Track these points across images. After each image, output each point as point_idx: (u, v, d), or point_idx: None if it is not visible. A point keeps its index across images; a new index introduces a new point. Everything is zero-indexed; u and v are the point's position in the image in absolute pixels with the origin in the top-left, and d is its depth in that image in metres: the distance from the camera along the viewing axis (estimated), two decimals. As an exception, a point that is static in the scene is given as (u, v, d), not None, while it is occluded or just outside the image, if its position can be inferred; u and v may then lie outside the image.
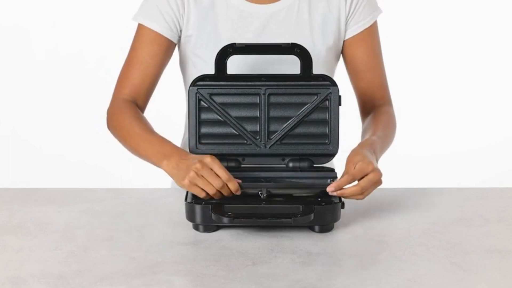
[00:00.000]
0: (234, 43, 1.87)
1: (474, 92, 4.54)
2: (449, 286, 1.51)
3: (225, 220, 1.69)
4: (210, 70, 1.93)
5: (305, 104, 1.86)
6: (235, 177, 1.76)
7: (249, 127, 1.87)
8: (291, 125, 1.86)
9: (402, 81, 4.37)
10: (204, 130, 1.87)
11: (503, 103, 4.55)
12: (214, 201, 1.74)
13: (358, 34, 2.05)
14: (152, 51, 2.01)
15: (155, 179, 3.36)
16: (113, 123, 1.99)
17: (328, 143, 1.86)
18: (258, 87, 1.86)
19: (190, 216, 1.75)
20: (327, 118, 1.86)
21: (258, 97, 1.86)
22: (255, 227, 1.75)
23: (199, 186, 1.74)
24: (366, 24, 2.04)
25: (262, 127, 1.87)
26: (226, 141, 1.87)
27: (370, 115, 2.04)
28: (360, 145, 1.83)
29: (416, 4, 4.52)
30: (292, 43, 1.87)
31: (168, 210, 1.87)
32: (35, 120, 4.44)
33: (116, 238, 1.73)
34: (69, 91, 4.43)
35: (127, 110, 1.98)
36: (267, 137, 1.87)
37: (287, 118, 1.87)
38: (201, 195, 1.75)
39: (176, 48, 2.08)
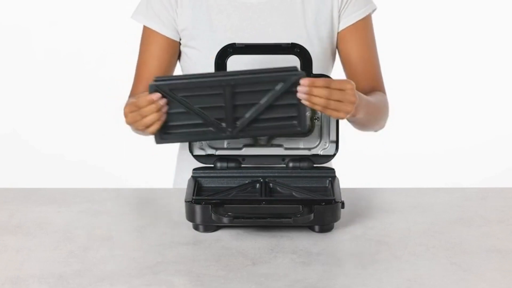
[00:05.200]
0: (234, 43, 1.87)
1: (474, 92, 4.54)
2: (449, 286, 1.51)
3: (225, 220, 1.69)
4: (205, 59, 1.92)
5: (271, 90, 1.75)
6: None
7: (214, 114, 1.77)
8: (258, 111, 1.76)
9: (402, 80, 4.38)
10: (169, 122, 1.81)
11: (502, 103, 4.55)
12: (214, 201, 1.74)
13: (351, 25, 2.06)
14: (155, 53, 2.06)
15: (155, 179, 3.36)
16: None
17: (296, 124, 1.76)
18: (221, 79, 1.75)
19: (190, 216, 1.75)
20: (295, 101, 1.74)
21: (222, 89, 1.76)
22: (255, 227, 1.75)
23: (137, 123, 1.76)
24: (360, 15, 2.06)
25: (228, 115, 1.76)
26: (192, 130, 1.78)
27: None
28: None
29: (416, 3, 4.52)
30: (292, 43, 1.87)
31: (168, 210, 1.87)
32: (35, 120, 4.44)
33: (116, 238, 1.73)
34: (69, 91, 4.43)
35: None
36: (234, 124, 1.77)
37: (253, 106, 1.76)
38: (141, 128, 1.76)
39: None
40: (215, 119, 1.77)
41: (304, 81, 1.69)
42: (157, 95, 1.74)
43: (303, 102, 1.70)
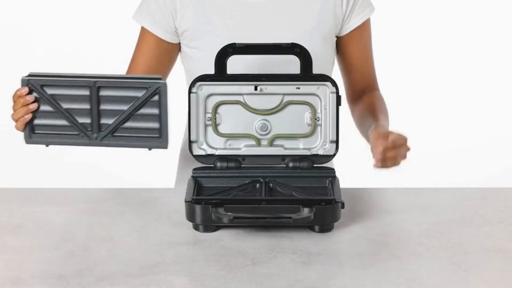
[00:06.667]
0: (234, 43, 1.87)
1: (473, 92, 4.53)
2: (449, 286, 1.51)
3: (225, 220, 1.69)
4: (207, 59, 1.93)
5: (135, 98, 1.82)
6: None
7: (81, 119, 1.84)
8: (122, 119, 1.83)
9: (402, 81, 4.37)
10: (38, 121, 1.85)
11: (502, 103, 4.55)
12: (214, 201, 1.74)
13: (355, 29, 2.08)
14: (143, 50, 2.08)
15: (155, 179, 3.36)
16: None
17: (159, 137, 1.83)
18: (88, 80, 1.81)
19: (190, 216, 1.75)
20: (158, 112, 1.82)
21: (88, 90, 1.82)
22: (255, 227, 1.75)
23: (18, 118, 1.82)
24: (363, 18, 2.08)
25: (94, 120, 1.84)
26: (58, 132, 1.85)
27: (361, 101, 2.09)
28: (379, 125, 1.88)
29: (419, 3, 4.52)
30: (292, 43, 1.87)
31: (168, 210, 1.87)
32: (35, 120, 4.43)
33: (116, 238, 1.73)
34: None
35: None
36: (99, 129, 1.84)
37: (118, 112, 1.83)
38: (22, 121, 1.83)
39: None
40: (81, 123, 1.83)
41: (377, 157, 1.77)
42: (24, 90, 1.81)
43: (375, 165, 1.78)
